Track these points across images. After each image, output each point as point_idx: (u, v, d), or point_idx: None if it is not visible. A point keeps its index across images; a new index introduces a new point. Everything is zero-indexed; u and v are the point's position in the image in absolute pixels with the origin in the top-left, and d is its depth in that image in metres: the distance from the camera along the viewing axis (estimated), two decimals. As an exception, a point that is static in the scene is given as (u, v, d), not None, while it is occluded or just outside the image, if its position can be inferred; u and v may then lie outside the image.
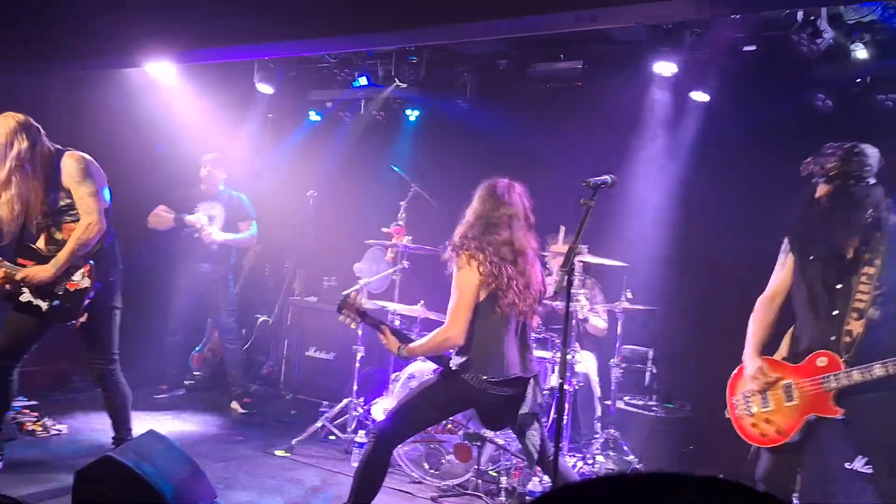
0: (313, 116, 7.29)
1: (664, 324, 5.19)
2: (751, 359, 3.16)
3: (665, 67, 4.99)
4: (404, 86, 6.10)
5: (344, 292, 3.54)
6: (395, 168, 5.77)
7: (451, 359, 3.35)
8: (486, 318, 3.27)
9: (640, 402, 5.18)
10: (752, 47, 4.94)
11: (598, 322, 5.17)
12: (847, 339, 2.89)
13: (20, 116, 3.75)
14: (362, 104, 6.90)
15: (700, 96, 5.30)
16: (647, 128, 5.49)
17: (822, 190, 3.01)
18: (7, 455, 4.07)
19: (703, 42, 4.93)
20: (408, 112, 6.84)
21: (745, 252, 4.94)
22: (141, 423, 4.25)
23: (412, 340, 3.41)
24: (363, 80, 6.34)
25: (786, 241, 3.20)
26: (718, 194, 5.33)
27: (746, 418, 3.15)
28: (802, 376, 2.99)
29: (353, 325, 3.54)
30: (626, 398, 5.19)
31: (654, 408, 5.11)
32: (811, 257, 3.04)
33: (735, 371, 3.26)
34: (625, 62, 5.43)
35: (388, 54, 6.06)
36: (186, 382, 6.32)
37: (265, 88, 6.45)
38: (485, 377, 3.23)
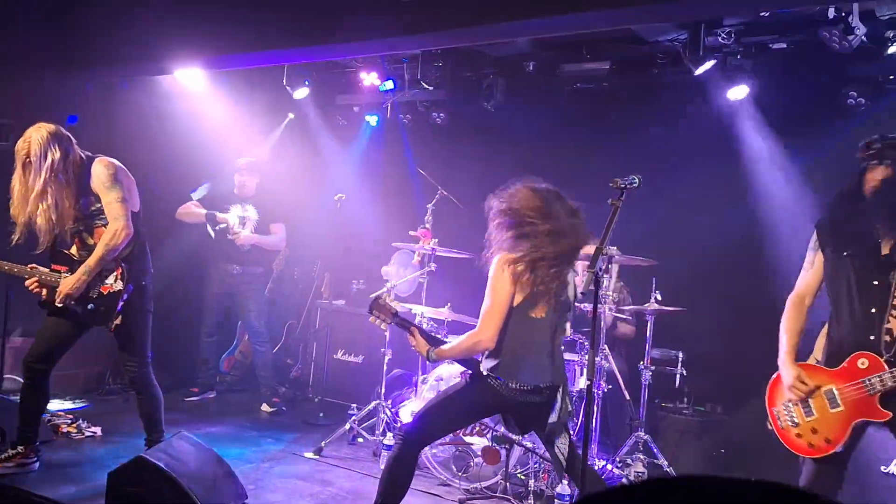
0: (340, 121, 7.35)
1: (694, 325, 5.13)
2: (787, 367, 3.02)
3: (694, 66, 4.93)
4: (431, 89, 6.11)
5: (375, 294, 3.55)
6: (421, 171, 5.79)
7: (480, 362, 3.34)
8: (519, 323, 3.24)
9: (671, 405, 5.12)
10: (783, 45, 4.88)
11: (626, 328, 5.12)
12: (888, 337, 2.78)
13: (51, 126, 3.81)
14: (389, 107, 6.93)
15: (731, 94, 5.23)
16: (676, 126, 5.43)
17: (880, 173, 2.88)
18: (43, 456, 4.15)
19: (733, 40, 4.87)
20: (434, 115, 6.85)
21: (777, 251, 4.87)
22: (172, 424, 4.30)
23: (442, 343, 3.40)
24: (389, 84, 6.37)
25: (814, 238, 3.10)
26: (750, 193, 5.27)
27: (791, 429, 3.02)
28: (844, 381, 2.87)
29: (382, 326, 3.55)
30: (656, 401, 5.14)
31: (684, 410, 5.05)
32: (845, 253, 2.95)
33: (772, 379, 3.13)
34: (653, 61, 5.39)
35: (415, 58, 6.08)
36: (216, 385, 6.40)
37: (294, 94, 6.51)
38: (514, 384, 3.20)
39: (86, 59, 5.99)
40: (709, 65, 4.88)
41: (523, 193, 3.31)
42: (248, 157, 6.11)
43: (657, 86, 5.50)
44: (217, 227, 5.93)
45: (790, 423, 3.03)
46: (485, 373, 3.25)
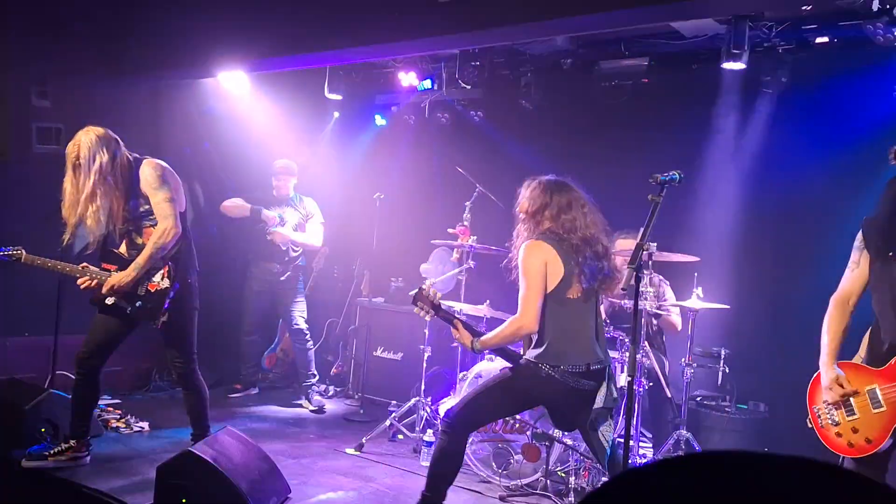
0: (379, 121, 7.40)
1: (737, 322, 5.06)
2: (826, 368, 2.99)
3: (734, 61, 4.86)
4: (468, 87, 6.13)
5: (418, 287, 3.60)
6: (459, 169, 5.81)
7: (521, 355, 3.36)
8: (559, 306, 3.29)
9: (713, 403, 5.06)
10: (825, 39, 4.78)
11: (675, 318, 5.06)
12: None
13: (100, 130, 3.92)
14: (427, 107, 6.96)
15: (773, 89, 5.15)
16: (717, 123, 5.36)
17: None
18: (94, 450, 4.27)
19: (774, 35, 4.80)
20: (472, 113, 6.86)
21: (822, 248, 4.78)
22: (216, 420, 4.40)
23: (483, 334, 3.44)
24: (427, 83, 6.40)
25: (859, 237, 3.03)
26: (793, 189, 5.17)
27: (831, 428, 2.98)
28: (888, 381, 2.82)
29: (426, 318, 3.60)
30: (698, 398, 5.09)
31: (727, 408, 4.99)
32: (890, 253, 2.90)
33: (813, 378, 3.10)
34: (693, 57, 5.33)
35: (453, 57, 6.10)
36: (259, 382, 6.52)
37: (333, 95, 6.59)
38: (563, 367, 3.23)
39: (133, 65, 6.15)
40: (748, 60, 4.81)
41: (539, 183, 3.47)
42: (285, 160, 6.20)
43: (696, 81, 5.44)
44: (257, 227, 6.03)
45: (830, 422, 2.99)
46: (533, 360, 3.28)
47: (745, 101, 5.28)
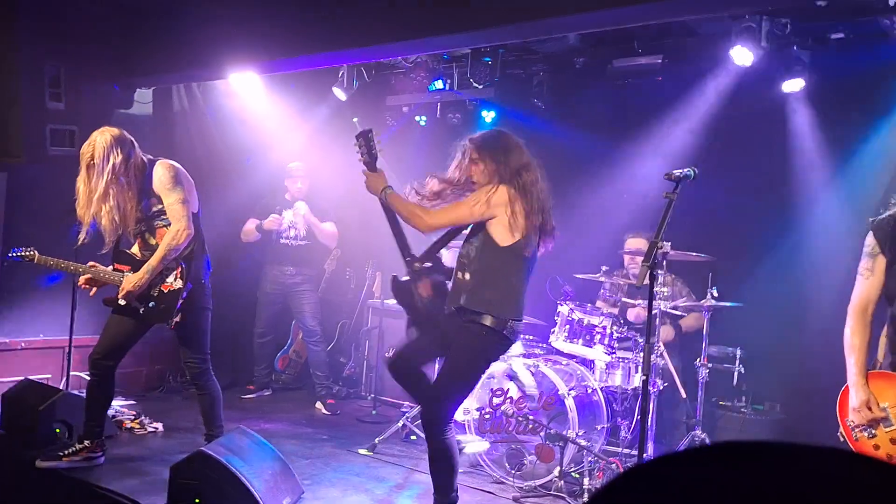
0: (390, 121, 7.39)
1: (753, 322, 5.02)
2: (857, 388, 2.86)
3: (748, 58, 4.82)
4: (480, 87, 6.11)
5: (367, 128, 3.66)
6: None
7: (480, 319, 3.31)
8: (519, 263, 3.38)
9: (728, 404, 5.02)
10: (840, 35, 4.73)
11: (693, 321, 5.02)
12: None
13: (115, 130, 3.94)
14: (438, 107, 6.95)
15: (787, 86, 5.10)
16: (732, 120, 5.31)
17: None
18: (108, 451, 4.28)
19: (789, 30, 4.75)
20: (484, 114, 6.84)
21: (838, 246, 4.73)
22: (230, 421, 4.40)
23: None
24: (439, 84, 6.39)
25: (870, 242, 2.91)
26: (810, 186, 5.13)
27: (867, 441, 2.87)
28: None
29: (360, 159, 3.72)
30: (713, 399, 5.04)
31: (742, 409, 4.94)
32: None
33: (843, 390, 2.99)
34: (707, 55, 5.29)
35: (464, 56, 6.09)
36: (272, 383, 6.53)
37: (342, 95, 6.59)
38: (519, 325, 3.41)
39: (145, 67, 6.18)
40: (763, 56, 4.77)
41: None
42: (297, 163, 6.23)
43: (710, 79, 5.39)
44: (274, 236, 6.07)
45: (866, 435, 2.89)
46: (504, 323, 3.29)
47: (761, 98, 5.23)
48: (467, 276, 3.38)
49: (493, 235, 3.30)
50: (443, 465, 3.40)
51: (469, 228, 3.48)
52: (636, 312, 5.02)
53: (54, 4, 5.76)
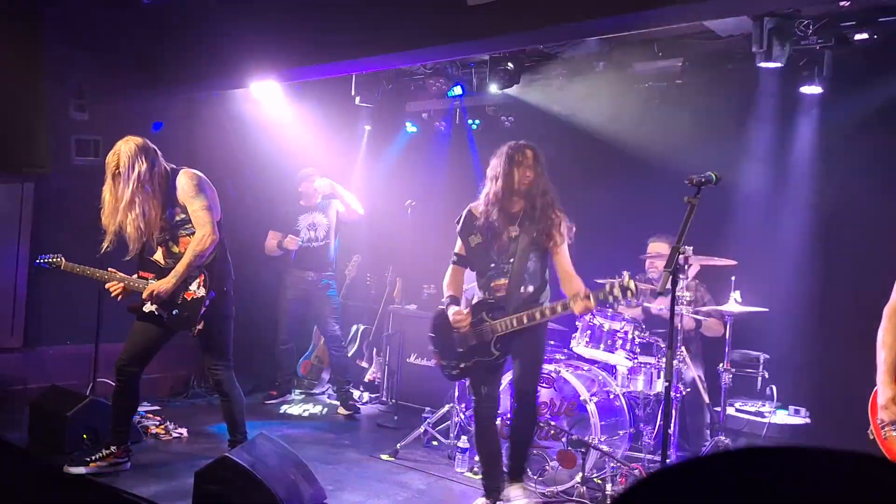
0: (410, 128, 7.43)
1: (777, 327, 4.96)
2: (883, 386, 2.89)
3: (769, 60, 4.77)
4: (499, 92, 6.11)
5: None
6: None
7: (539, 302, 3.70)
8: None
9: (753, 409, 4.96)
10: (864, 35, 4.67)
11: (715, 325, 4.99)
12: None
13: (139, 140, 4.00)
14: (457, 113, 6.96)
15: (811, 89, 5.05)
16: (754, 123, 5.27)
17: None
18: (133, 456, 4.33)
19: (812, 32, 4.70)
20: (503, 118, 6.84)
21: (862, 248, 4.68)
22: (253, 427, 4.43)
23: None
24: (458, 90, 6.40)
25: None
26: (834, 189, 5.06)
27: (895, 439, 2.88)
28: None
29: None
30: (736, 404, 4.99)
31: (767, 414, 4.89)
32: None
33: (875, 390, 3.00)
34: (728, 57, 5.25)
35: (483, 62, 6.10)
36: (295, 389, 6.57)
37: (363, 102, 6.63)
38: None
39: (168, 77, 6.26)
40: (785, 58, 4.72)
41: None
42: (310, 168, 6.27)
43: (731, 82, 5.36)
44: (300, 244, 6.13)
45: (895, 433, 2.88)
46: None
47: (783, 100, 5.18)
48: (530, 289, 3.72)
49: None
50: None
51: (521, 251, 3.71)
52: (659, 305, 4.99)
53: (79, 16, 5.85)
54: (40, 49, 5.57)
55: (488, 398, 3.83)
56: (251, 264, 6.17)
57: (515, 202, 3.71)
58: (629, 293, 3.30)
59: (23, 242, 5.63)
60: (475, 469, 4.63)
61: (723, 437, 4.59)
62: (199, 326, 4.02)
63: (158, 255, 4.12)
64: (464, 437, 4.84)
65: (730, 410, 4.82)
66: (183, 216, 4.03)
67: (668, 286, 2.93)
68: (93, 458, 4.14)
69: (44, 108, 5.61)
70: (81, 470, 4.08)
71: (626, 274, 3.38)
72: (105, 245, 3.95)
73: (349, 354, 6.70)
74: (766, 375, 4.72)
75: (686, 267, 4.55)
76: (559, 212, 3.69)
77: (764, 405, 4.96)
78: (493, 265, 3.76)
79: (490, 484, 3.85)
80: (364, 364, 6.99)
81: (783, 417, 4.90)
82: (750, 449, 0.64)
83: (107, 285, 4.06)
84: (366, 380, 6.89)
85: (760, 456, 0.62)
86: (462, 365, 3.82)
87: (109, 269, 4.06)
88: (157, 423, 5.17)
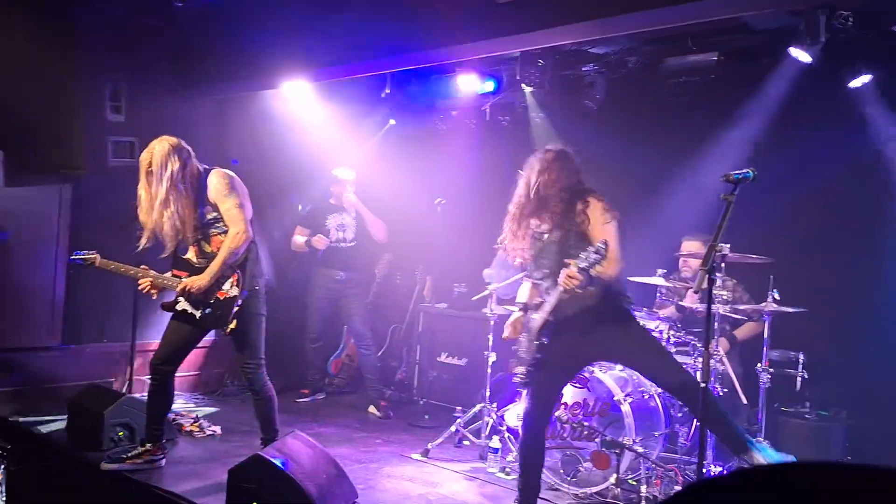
0: (440, 125, 7.41)
1: (816, 326, 4.85)
2: None
3: (808, 54, 4.66)
4: (530, 89, 6.06)
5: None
6: (521, 172, 5.73)
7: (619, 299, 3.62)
8: None
9: (791, 410, 4.86)
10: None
11: (747, 330, 4.90)
12: None
13: (173, 140, 4.05)
14: (488, 110, 6.93)
15: (852, 83, 4.92)
16: (792, 118, 5.14)
17: None
18: (168, 453, 4.38)
19: (850, 25, 4.58)
20: (533, 115, 6.79)
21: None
22: (285, 425, 4.45)
23: None
24: (489, 86, 6.37)
25: None
26: (877, 185, 4.93)
27: None
28: None
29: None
30: (775, 405, 4.89)
31: (806, 415, 4.78)
32: None
33: None
34: (763, 51, 5.14)
35: (513, 59, 6.05)
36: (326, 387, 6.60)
37: (395, 99, 6.63)
38: None
39: (201, 78, 6.33)
40: (823, 52, 4.61)
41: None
42: (343, 168, 6.28)
43: (767, 76, 5.24)
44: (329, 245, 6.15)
45: None
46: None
47: (822, 94, 5.06)
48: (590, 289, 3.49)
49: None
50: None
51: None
52: (692, 300, 4.91)
53: (113, 19, 5.94)
54: (76, 53, 5.66)
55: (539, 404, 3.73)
56: (281, 263, 6.21)
57: (542, 206, 3.67)
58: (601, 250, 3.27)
59: (61, 243, 5.73)
60: (507, 469, 4.61)
61: (761, 439, 4.49)
62: (232, 325, 4.05)
63: (191, 254, 4.15)
64: (495, 437, 4.81)
65: (768, 411, 4.72)
66: (214, 215, 4.06)
67: (705, 285, 2.87)
68: (129, 454, 4.20)
69: (80, 110, 5.71)
70: (117, 466, 4.13)
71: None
72: (143, 242, 4.00)
73: (379, 354, 6.70)
74: (806, 376, 4.62)
75: (722, 266, 4.47)
76: (590, 199, 3.56)
77: (804, 406, 4.86)
78: (541, 271, 3.70)
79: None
80: (394, 363, 7.00)
81: (823, 419, 4.79)
82: (792, 465, 0.61)
83: (139, 283, 4.10)
84: (396, 379, 6.90)
85: (801, 474, 0.59)
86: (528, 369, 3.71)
87: (142, 266, 4.10)
88: (192, 420, 5.22)
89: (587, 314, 3.51)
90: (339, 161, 6.43)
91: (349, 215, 6.24)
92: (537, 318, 3.57)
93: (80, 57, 5.69)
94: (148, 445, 4.24)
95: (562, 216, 3.59)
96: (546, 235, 3.68)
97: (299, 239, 6.24)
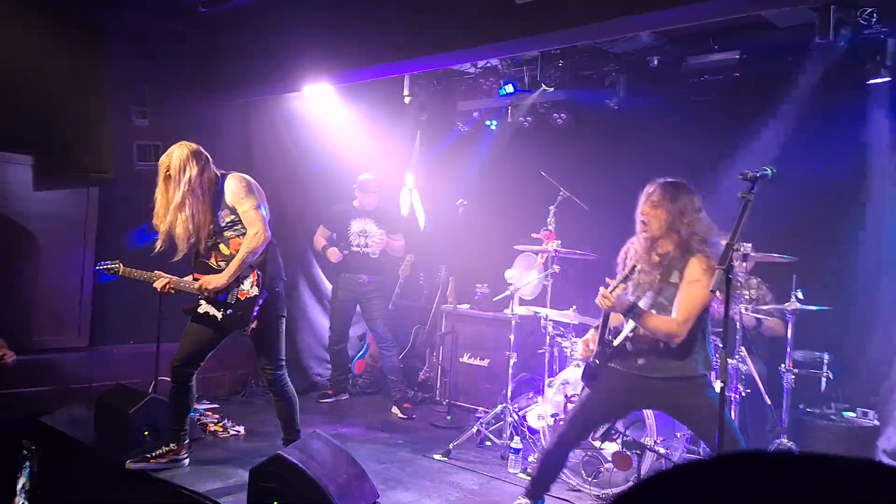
0: (462, 127, 7.42)
1: (841, 326, 4.78)
2: None
3: (830, 51, 4.60)
4: (551, 90, 6.05)
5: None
6: (542, 173, 5.74)
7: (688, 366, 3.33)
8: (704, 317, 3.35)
9: (817, 411, 4.79)
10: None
11: (773, 324, 4.84)
12: None
13: (192, 145, 4.10)
14: (509, 111, 6.93)
15: (876, 80, 4.84)
16: (814, 115, 5.08)
17: None
18: (192, 453, 4.43)
19: (875, 21, 4.51)
20: (554, 116, 6.78)
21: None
22: (307, 425, 4.49)
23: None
24: (510, 88, 6.37)
25: None
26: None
27: None
28: None
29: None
30: (800, 406, 4.83)
31: (832, 416, 4.71)
32: None
33: None
34: (787, 49, 5.08)
35: (533, 59, 6.05)
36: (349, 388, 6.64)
37: (414, 102, 6.65)
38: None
39: (225, 82, 6.41)
40: (847, 49, 4.54)
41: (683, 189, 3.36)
42: (368, 174, 6.30)
43: (790, 74, 5.17)
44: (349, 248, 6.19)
45: None
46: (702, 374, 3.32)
47: (845, 91, 4.98)
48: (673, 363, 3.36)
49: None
50: None
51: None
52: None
53: (140, 26, 6.04)
54: (105, 59, 5.76)
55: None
56: (306, 265, 6.26)
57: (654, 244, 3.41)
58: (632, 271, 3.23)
59: (88, 245, 5.83)
60: (528, 470, 4.60)
61: (785, 440, 4.44)
62: (253, 326, 4.09)
63: (211, 259, 4.20)
64: (517, 438, 4.81)
65: (793, 412, 4.67)
66: (232, 217, 4.10)
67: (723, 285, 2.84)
68: (153, 454, 4.26)
69: (107, 115, 5.81)
70: (141, 466, 4.20)
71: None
72: (158, 245, 4.06)
73: (401, 355, 6.72)
74: (831, 376, 4.55)
75: (744, 265, 4.42)
76: (696, 249, 3.26)
77: (829, 407, 4.79)
78: (634, 294, 3.49)
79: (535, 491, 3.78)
80: (417, 364, 7.02)
81: (850, 420, 4.72)
82: (749, 453, 0.62)
83: (154, 284, 4.16)
84: (419, 379, 6.92)
85: (759, 462, 0.59)
86: None
87: (156, 271, 4.16)
88: (216, 420, 5.29)
89: (665, 382, 3.37)
90: (361, 163, 6.46)
91: (373, 223, 6.26)
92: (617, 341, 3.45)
93: (108, 62, 5.79)
94: (172, 445, 4.29)
95: (669, 263, 3.36)
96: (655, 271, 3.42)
97: (320, 240, 6.29)
